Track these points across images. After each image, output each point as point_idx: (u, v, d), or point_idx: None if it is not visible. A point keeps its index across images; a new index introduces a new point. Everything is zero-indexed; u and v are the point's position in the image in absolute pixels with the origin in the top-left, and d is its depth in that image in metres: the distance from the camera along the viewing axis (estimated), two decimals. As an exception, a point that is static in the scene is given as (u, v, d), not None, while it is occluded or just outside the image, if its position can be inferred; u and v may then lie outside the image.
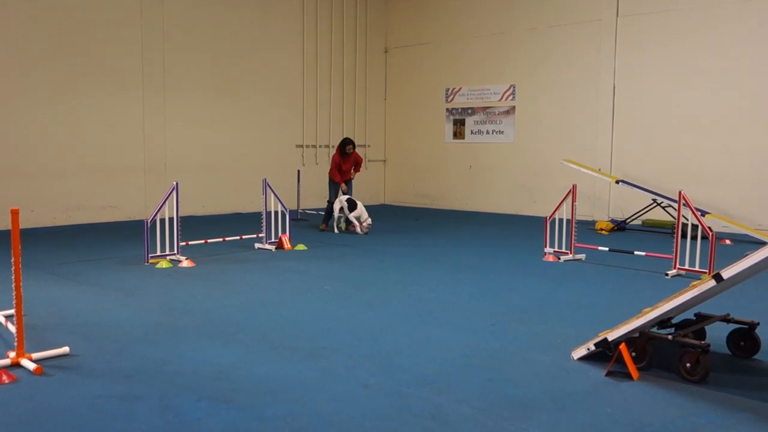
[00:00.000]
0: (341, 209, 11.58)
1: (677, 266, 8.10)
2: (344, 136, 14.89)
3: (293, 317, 6.04)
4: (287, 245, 9.82)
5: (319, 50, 16.21)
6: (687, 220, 8.15)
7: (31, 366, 4.50)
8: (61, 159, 12.30)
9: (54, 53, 12.07)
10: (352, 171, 12.21)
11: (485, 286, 7.46)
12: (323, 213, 12.64)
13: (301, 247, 9.92)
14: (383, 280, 7.78)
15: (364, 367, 4.68)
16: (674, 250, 8.16)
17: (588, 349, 4.78)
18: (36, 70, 11.87)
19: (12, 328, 4.85)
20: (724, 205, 12.07)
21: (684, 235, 8.15)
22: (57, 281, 7.47)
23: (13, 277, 4.53)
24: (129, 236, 10.81)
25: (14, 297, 4.56)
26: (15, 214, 4.44)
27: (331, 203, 11.93)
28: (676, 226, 8.23)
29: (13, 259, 4.49)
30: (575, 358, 4.86)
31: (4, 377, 4.30)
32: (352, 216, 11.50)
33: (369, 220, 11.57)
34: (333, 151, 16.63)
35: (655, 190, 12.06)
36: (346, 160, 12.03)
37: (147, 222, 8.47)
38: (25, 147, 11.83)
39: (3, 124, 11.58)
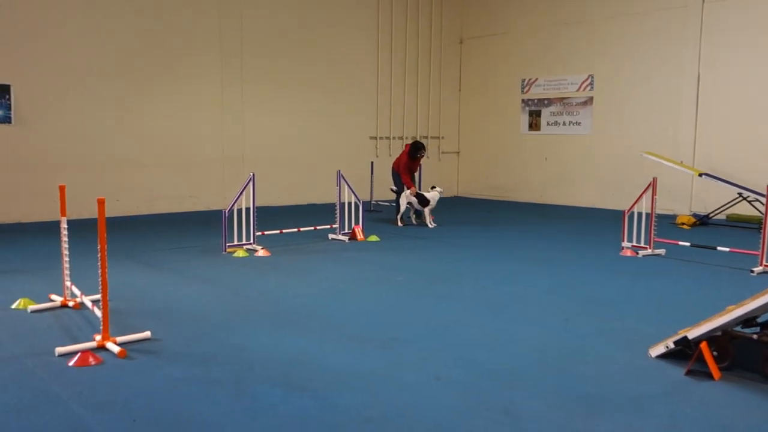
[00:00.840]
0: (408, 203, 11.47)
1: (764, 263, 7.75)
2: (417, 133, 14.79)
3: (366, 308, 6.09)
4: (360, 236, 9.90)
5: (393, 42, 16.23)
6: (775, 215, 7.78)
7: (116, 349, 4.70)
8: (145, 151, 12.77)
9: (140, 52, 12.52)
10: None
11: (559, 280, 7.32)
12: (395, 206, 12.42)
13: (373, 238, 9.98)
14: (455, 272, 7.75)
15: (435, 359, 4.68)
16: (761, 246, 7.79)
17: (666, 347, 4.63)
18: (123, 68, 12.35)
19: (98, 312, 5.07)
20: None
21: (772, 231, 7.78)
22: (139, 268, 7.77)
23: (99, 263, 4.73)
24: (207, 225, 11.13)
25: (100, 282, 4.75)
26: (101, 203, 4.63)
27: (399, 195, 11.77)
28: (763, 221, 7.87)
29: (99, 246, 4.68)
30: (653, 356, 4.72)
31: (91, 359, 4.51)
32: (427, 210, 11.39)
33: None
34: (406, 144, 16.72)
35: (741, 184, 11.54)
36: (414, 164, 11.85)
37: (225, 212, 8.69)
38: (111, 140, 12.35)
39: (93, 118, 12.11)
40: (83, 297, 5.76)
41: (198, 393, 4.03)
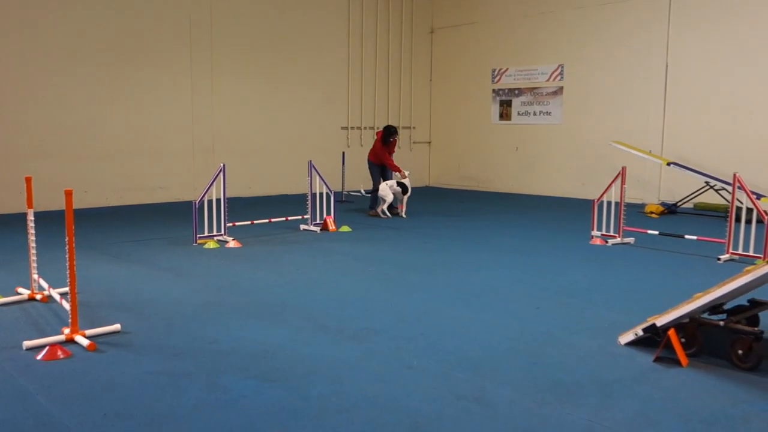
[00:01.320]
0: (394, 196, 11.25)
1: (730, 251, 7.90)
2: (388, 123, 14.77)
3: (338, 298, 6.09)
4: (332, 227, 9.88)
5: (364, 31, 16.17)
6: (741, 203, 7.93)
7: (85, 342, 4.64)
8: (114, 141, 12.58)
9: (106, 40, 12.30)
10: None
11: (530, 269, 7.39)
12: (370, 196, 12.29)
13: (345, 228, 9.97)
14: (427, 262, 7.78)
15: (407, 349, 4.69)
16: (727, 234, 7.95)
17: (636, 334, 4.70)
18: (88, 56, 12.13)
19: (66, 305, 5.00)
20: (780, 188, 11.69)
21: (738, 219, 7.93)
22: (109, 260, 7.66)
23: (67, 256, 4.66)
24: (178, 217, 11.02)
25: (68, 275, 4.69)
26: (69, 194, 4.56)
27: (376, 189, 11.55)
28: (729, 209, 8.01)
29: (66, 239, 4.61)
30: (622, 343, 4.79)
31: (60, 353, 4.44)
32: (405, 198, 11.34)
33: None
34: (377, 131, 16.71)
35: (708, 173, 11.74)
36: (388, 149, 11.65)
37: (195, 203, 8.61)
38: (79, 130, 12.14)
39: (60, 109, 11.89)
40: (51, 290, 5.67)
41: (169, 385, 4.00)
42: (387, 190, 11.23)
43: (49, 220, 9.58)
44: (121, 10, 12.45)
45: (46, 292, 5.81)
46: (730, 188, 8.43)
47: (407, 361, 4.45)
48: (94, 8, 12.11)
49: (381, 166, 11.69)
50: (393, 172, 11.53)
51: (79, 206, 11.44)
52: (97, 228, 9.92)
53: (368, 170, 11.91)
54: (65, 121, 11.98)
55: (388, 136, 11.63)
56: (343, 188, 14.21)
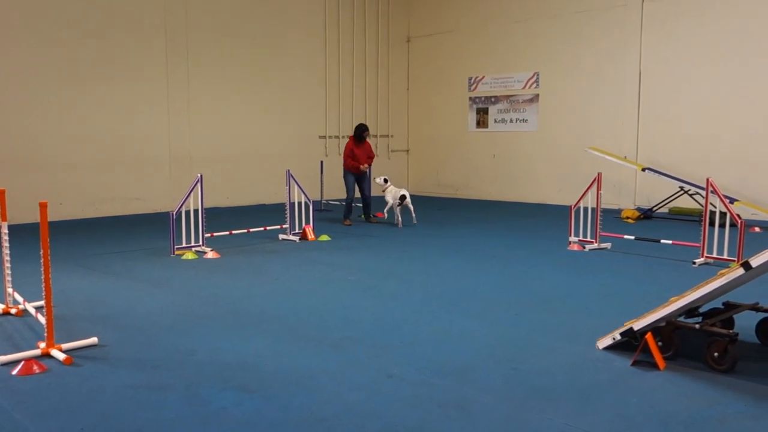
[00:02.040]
0: (399, 204, 11.16)
1: (705, 254, 8.00)
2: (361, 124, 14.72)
3: (317, 307, 6.07)
4: (311, 236, 9.86)
5: (341, 41, 16.20)
6: (715, 207, 8.04)
7: (61, 356, 4.58)
8: (89, 152, 12.45)
9: (80, 48, 12.20)
10: (366, 164, 11.65)
11: (509, 276, 7.43)
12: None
13: (324, 237, 9.95)
14: (407, 270, 7.78)
15: (388, 357, 4.69)
16: (702, 238, 8.05)
17: (614, 338, 4.75)
18: (64, 65, 12.02)
19: (42, 319, 4.93)
20: (753, 192, 11.87)
21: (712, 223, 8.04)
22: (85, 273, 7.58)
23: (42, 269, 4.60)
24: (155, 228, 10.93)
25: (43, 288, 4.63)
26: (43, 207, 4.51)
27: (349, 199, 11.60)
28: (703, 213, 8.12)
29: (42, 251, 4.56)
30: (601, 347, 4.83)
31: (35, 367, 4.38)
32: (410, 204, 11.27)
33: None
34: (348, 137, 16.70)
35: (682, 178, 11.90)
36: (359, 147, 11.55)
37: (172, 214, 8.55)
38: (53, 141, 12.00)
39: (33, 118, 11.75)
40: (26, 304, 5.60)
41: (147, 399, 3.96)
42: (390, 199, 11.32)
43: (24, 233, 9.46)
44: (96, 18, 12.35)
45: (21, 306, 5.73)
46: (703, 192, 8.54)
47: (388, 369, 4.45)
48: (67, 18, 12.00)
49: (356, 175, 11.67)
50: (370, 181, 11.60)
51: (55, 218, 11.29)
52: (73, 240, 9.81)
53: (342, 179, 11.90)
54: (39, 133, 11.84)
55: (360, 133, 11.56)
56: (321, 197, 14.19)
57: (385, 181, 11.48)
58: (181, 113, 13.63)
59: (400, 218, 11.27)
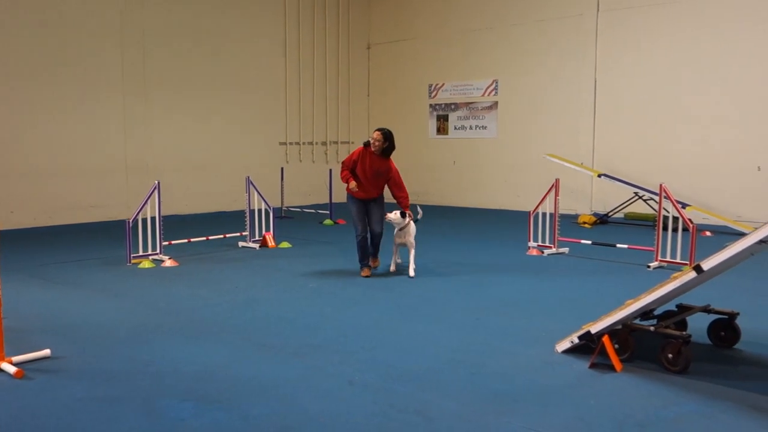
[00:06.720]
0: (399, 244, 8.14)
1: (659, 258, 8.17)
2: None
3: (278, 315, 6.02)
4: (271, 243, 9.79)
5: (301, 47, 16.15)
6: (668, 212, 8.22)
7: (11, 369, 4.45)
8: (41, 159, 12.16)
9: (32, 54, 11.92)
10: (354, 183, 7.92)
11: (469, 281, 7.48)
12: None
13: (285, 244, 9.89)
14: (367, 277, 7.77)
15: (349, 364, 4.68)
16: (656, 242, 8.22)
17: (571, 341, 4.81)
18: (13, 70, 11.73)
19: (-8, 331, 4.79)
20: (704, 197, 12.17)
21: (665, 228, 8.22)
22: (38, 283, 7.40)
23: (-8, 279, 4.48)
24: (111, 236, 10.72)
25: (-6, 300, 4.51)
26: (-7, 215, 4.39)
27: (359, 235, 7.99)
28: (657, 218, 8.29)
29: (-8, 262, 4.44)
30: (559, 351, 4.89)
31: (-15, 381, 4.26)
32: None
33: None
34: (316, 149, 16.62)
35: (636, 184, 12.16)
36: (364, 161, 7.97)
37: (129, 222, 8.41)
38: (3, 147, 11.69)
39: (-19, 125, 11.45)
40: (-25, 316, 5.43)
41: (103, 412, 3.87)
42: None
43: (-27, 243, 9.20)
44: (46, 21, 12.08)
45: (-30, 318, 5.56)
46: (657, 198, 8.72)
47: (349, 376, 4.44)
48: (16, 19, 11.73)
49: (362, 201, 8.18)
50: (383, 212, 8.40)
51: (6, 227, 10.99)
52: (26, 249, 9.56)
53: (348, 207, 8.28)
54: (-10, 140, 11.55)
55: (365, 146, 8.08)
56: (282, 204, 14.10)
57: (403, 215, 8.01)
58: (137, 119, 13.41)
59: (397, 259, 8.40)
